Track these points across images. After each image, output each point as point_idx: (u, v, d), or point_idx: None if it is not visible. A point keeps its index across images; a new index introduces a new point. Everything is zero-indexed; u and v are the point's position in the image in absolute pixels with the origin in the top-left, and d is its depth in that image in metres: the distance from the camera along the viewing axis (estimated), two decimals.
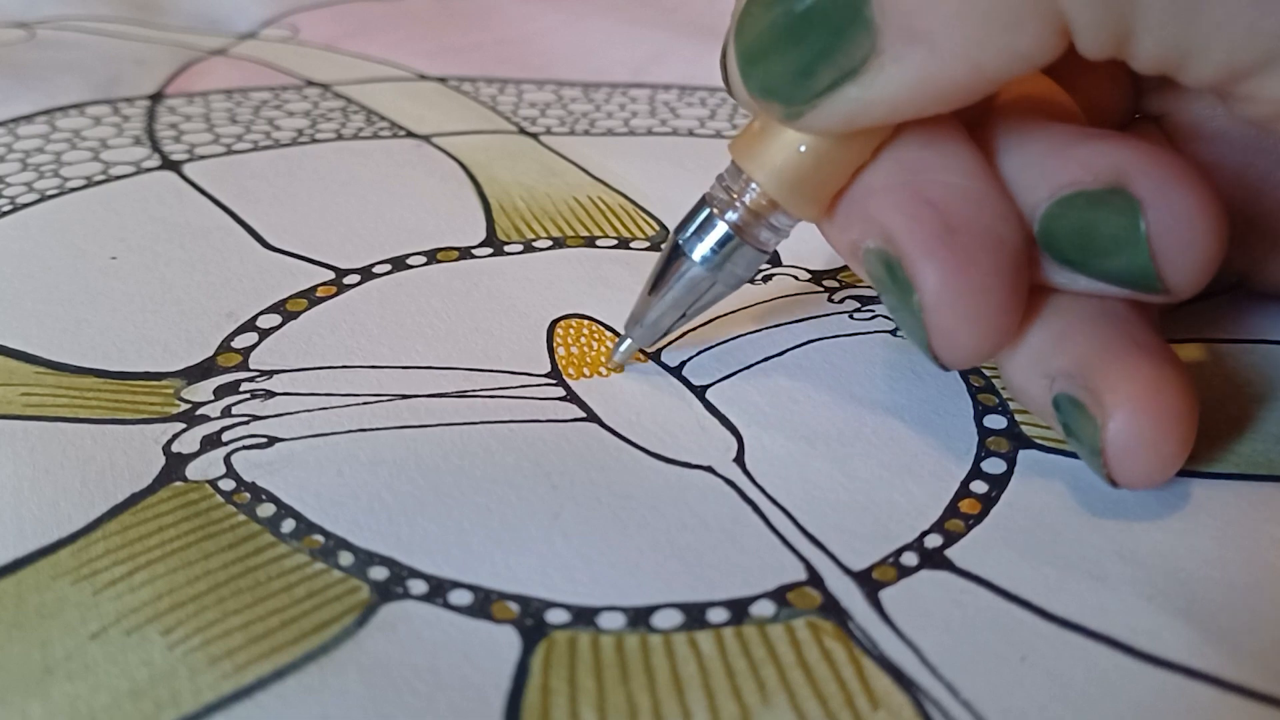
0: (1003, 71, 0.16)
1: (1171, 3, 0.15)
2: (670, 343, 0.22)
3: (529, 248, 0.26)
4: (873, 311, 0.23)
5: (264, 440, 0.19)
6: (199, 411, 0.20)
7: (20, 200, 0.27)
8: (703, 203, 0.19)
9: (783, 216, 0.19)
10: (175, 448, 0.19)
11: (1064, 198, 0.17)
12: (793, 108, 0.17)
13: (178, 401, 0.20)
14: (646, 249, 0.26)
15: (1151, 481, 0.17)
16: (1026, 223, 0.17)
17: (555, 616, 0.16)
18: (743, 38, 0.17)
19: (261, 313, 0.23)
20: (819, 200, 0.18)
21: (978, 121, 0.18)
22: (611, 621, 0.16)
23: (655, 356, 0.22)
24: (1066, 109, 0.20)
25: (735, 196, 0.19)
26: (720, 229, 0.19)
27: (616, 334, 0.22)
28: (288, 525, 0.17)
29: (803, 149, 0.18)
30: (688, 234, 0.19)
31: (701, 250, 0.19)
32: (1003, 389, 0.21)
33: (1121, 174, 0.17)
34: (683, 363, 0.21)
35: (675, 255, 0.20)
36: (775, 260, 0.25)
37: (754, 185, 0.18)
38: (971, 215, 0.17)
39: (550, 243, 0.26)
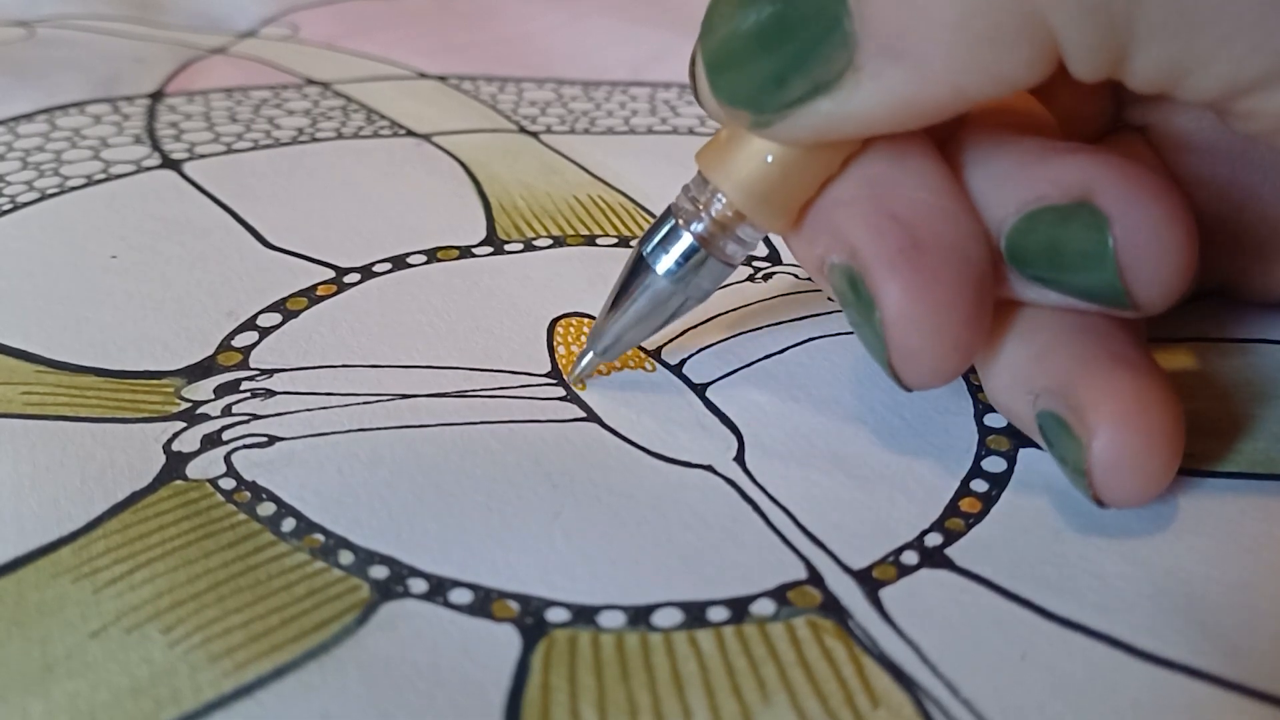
0: (984, 93, 0.15)
1: (1171, 22, 0.14)
2: (668, 342, 0.22)
3: (529, 246, 0.26)
4: None
5: (264, 439, 0.19)
6: (199, 410, 0.20)
7: (20, 199, 0.27)
8: (668, 214, 0.19)
9: (749, 229, 0.18)
10: (175, 446, 0.19)
11: (1031, 213, 0.17)
12: (761, 117, 0.16)
13: (178, 400, 0.20)
14: None
15: (1138, 501, 0.17)
16: (993, 241, 0.17)
17: (555, 615, 0.16)
18: (710, 43, 0.17)
19: (262, 311, 0.23)
20: (786, 212, 0.18)
21: (946, 134, 0.18)
22: (612, 620, 0.16)
23: (656, 355, 0.22)
24: (1039, 120, 0.19)
25: (701, 207, 0.18)
26: (685, 240, 0.18)
27: None
28: (288, 524, 0.17)
29: (770, 159, 0.17)
30: (651, 246, 0.19)
31: (666, 263, 0.19)
32: None
33: (1088, 188, 0.16)
34: (683, 361, 0.21)
35: (639, 268, 0.19)
36: (775, 259, 0.25)
37: (720, 196, 0.18)
38: (937, 231, 0.16)
39: (550, 241, 0.26)
